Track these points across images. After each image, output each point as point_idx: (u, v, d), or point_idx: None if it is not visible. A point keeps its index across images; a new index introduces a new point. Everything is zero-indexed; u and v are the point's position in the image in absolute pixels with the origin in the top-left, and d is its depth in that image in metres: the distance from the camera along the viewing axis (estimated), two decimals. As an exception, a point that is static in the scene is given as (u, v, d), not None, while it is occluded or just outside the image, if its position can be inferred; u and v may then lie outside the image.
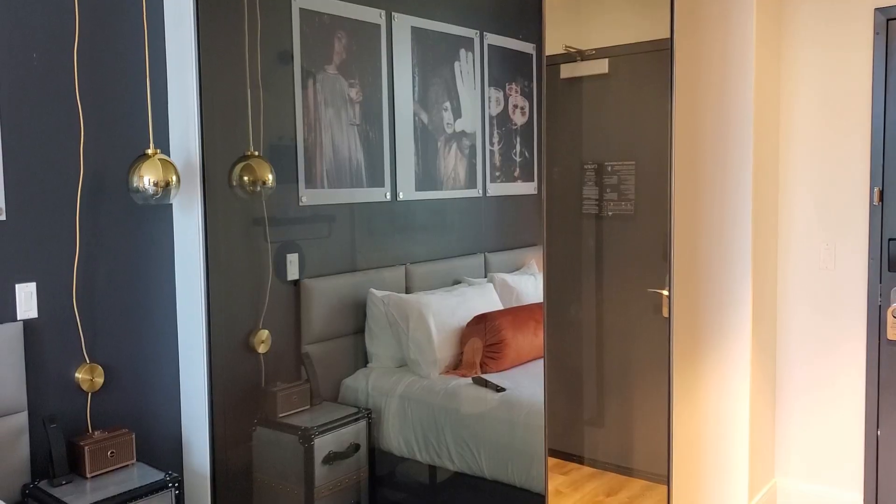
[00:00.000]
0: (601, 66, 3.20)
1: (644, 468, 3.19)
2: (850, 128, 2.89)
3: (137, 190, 2.04)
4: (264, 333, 2.57)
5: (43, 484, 1.96)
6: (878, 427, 2.87)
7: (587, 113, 3.31)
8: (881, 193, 2.83)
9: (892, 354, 2.83)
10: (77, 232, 2.07)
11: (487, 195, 3.20)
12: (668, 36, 2.66)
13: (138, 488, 1.94)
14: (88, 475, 2.00)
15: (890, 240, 2.82)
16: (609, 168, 3.24)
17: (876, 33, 2.80)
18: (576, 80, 3.31)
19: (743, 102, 2.73)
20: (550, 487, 2.84)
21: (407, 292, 2.95)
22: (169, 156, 2.23)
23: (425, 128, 3.01)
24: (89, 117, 2.10)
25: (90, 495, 1.90)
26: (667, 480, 2.61)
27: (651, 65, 3.09)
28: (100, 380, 2.11)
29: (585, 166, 3.31)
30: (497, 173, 3.23)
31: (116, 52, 2.15)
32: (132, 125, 2.19)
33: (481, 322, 2.93)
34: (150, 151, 2.06)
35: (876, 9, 2.80)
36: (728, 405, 2.80)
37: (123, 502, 1.90)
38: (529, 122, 3.35)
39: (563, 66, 3.31)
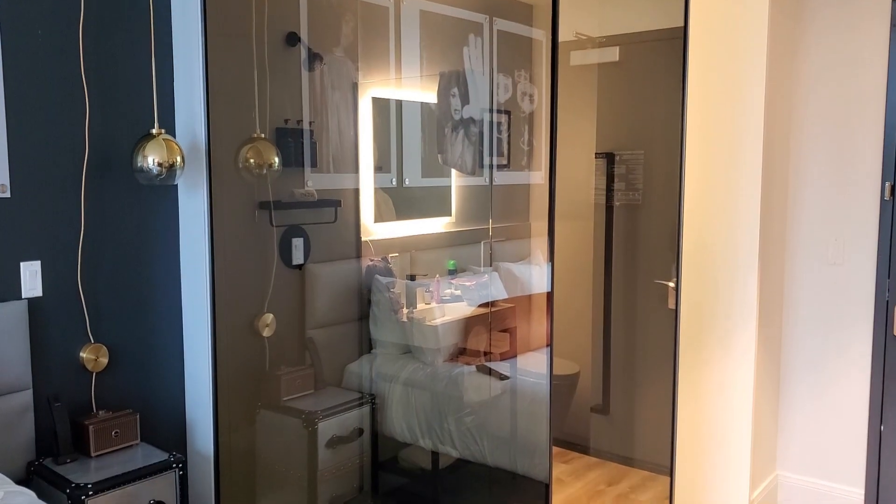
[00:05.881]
0: (612, 54, 3.17)
1: (646, 458, 3.20)
2: (864, 121, 2.86)
3: (142, 170, 2.03)
4: (269, 317, 2.56)
5: (48, 462, 1.96)
6: (881, 422, 2.86)
7: (597, 101, 3.28)
8: (893, 189, 2.80)
9: (898, 350, 2.82)
10: (82, 211, 2.07)
11: (494, 183, 3.18)
12: (682, 24, 2.62)
13: (142, 468, 1.95)
14: (93, 454, 2.00)
15: (899, 235, 2.79)
16: (618, 157, 3.22)
17: (892, 26, 2.77)
18: (586, 68, 3.28)
19: (754, 94, 2.70)
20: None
21: (412, 279, 2.94)
22: (174, 136, 2.22)
23: (432, 114, 2.99)
24: (94, 95, 2.08)
25: (94, 474, 1.90)
26: (670, 471, 2.61)
27: (662, 53, 3.06)
28: (104, 360, 2.11)
29: (594, 155, 3.29)
30: (504, 161, 3.20)
31: (122, 31, 2.13)
32: (138, 104, 2.18)
33: (486, 311, 2.93)
34: (154, 131, 2.05)
35: (893, 1, 2.76)
36: (732, 398, 2.80)
37: (128, 482, 1.91)
38: (538, 110, 3.33)
39: (573, 54, 3.27)
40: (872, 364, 2.87)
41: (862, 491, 2.92)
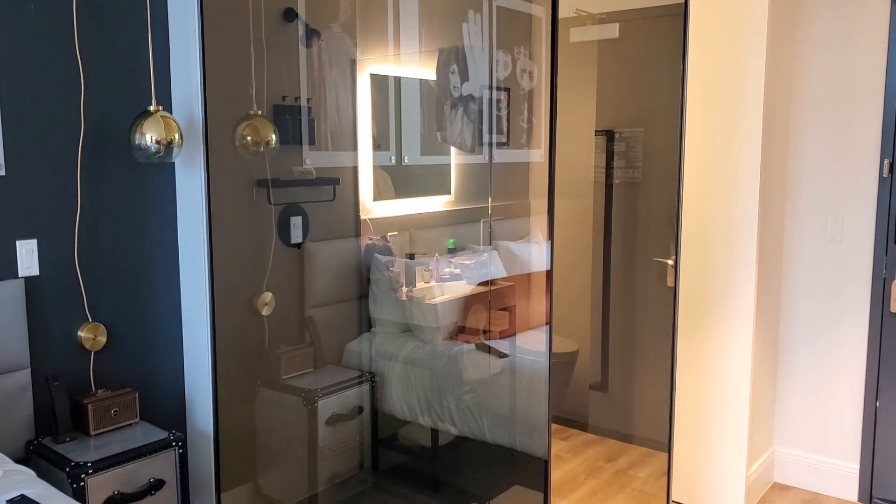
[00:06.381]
0: (612, 31, 3.13)
1: (644, 435, 3.22)
2: (863, 98, 2.84)
3: (139, 147, 2.00)
4: (268, 296, 2.55)
5: (47, 441, 1.96)
6: (877, 398, 2.88)
7: (597, 78, 3.25)
8: (891, 166, 2.80)
9: (895, 326, 2.84)
10: (78, 189, 2.04)
11: (494, 161, 3.16)
12: (682, 0, 2.59)
13: (142, 446, 1.95)
14: (92, 433, 2.00)
15: (898, 212, 2.79)
16: (617, 135, 3.20)
17: (893, 1, 2.74)
18: (586, 45, 3.25)
19: (754, 70, 2.67)
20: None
21: (411, 258, 2.93)
22: (171, 113, 2.19)
23: (431, 91, 2.96)
24: (90, 72, 2.04)
25: (94, 452, 1.90)
26: (668, 448, 2.63)
27: (662, 30, 3.03)
28: (102, 339, 2.10)
29: (593, 133, 3.27)
30: (504, 139, 3.18)
31: (117, 5, 2.09)
32: (134, 81, 2.14)
33: (485, 289, 2.92)
34: (152, 108, 2.02)
35: (895, -25, 2.73)
36: (730, 375, 2.81)
37: (127, 460, 1.91)
38: (538, 88, 3.30)
39: (573, 30, 3.24)
40: (869, 341, 2.88)
41: (857, 465, 2.95)
